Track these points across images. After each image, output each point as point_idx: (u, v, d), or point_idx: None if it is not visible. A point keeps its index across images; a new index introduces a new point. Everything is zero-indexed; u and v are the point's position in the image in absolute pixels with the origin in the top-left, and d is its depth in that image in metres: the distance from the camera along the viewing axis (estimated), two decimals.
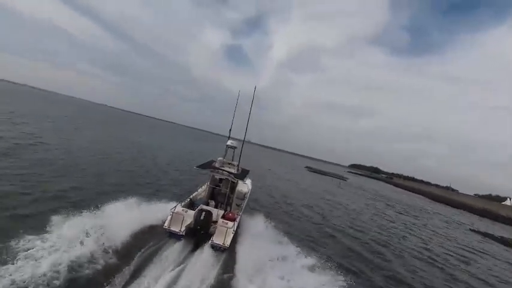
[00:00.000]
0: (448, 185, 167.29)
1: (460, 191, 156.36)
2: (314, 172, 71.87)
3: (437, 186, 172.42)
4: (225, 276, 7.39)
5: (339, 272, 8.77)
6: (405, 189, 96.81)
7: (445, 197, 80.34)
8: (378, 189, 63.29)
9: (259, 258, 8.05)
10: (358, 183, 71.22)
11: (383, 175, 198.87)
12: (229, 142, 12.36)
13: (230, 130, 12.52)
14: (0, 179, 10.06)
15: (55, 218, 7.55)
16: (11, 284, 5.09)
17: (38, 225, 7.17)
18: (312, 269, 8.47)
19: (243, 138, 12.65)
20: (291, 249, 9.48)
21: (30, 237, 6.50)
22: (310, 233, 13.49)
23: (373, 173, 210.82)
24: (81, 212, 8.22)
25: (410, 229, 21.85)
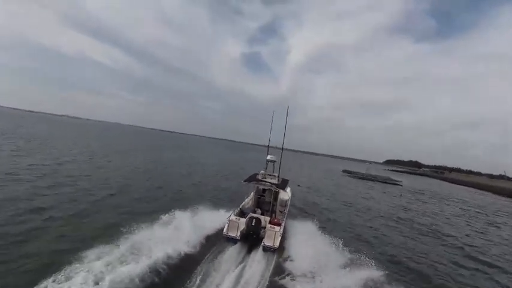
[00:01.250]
0: (503, 173, 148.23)
1: None
2: (356, 177, 55.68)
3: (490, 176, 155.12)
4: (279, 272, 8.42)
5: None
6: (466, 186, 79.37)
7: None
8: (438, 191, 51.82)
9: (309, 257, 8.90)
10: (414, 185, 58.02)
11: (426, 169, 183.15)
12: (269, 157, 14.05)
13: (268, 146, 14.25)
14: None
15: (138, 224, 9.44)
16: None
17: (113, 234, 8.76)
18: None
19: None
20: (337, 249, 10.05)
21: (106, 246, 7.83)
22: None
23: (414, 167, 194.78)
24: (152, 224, 9.86)
25: None
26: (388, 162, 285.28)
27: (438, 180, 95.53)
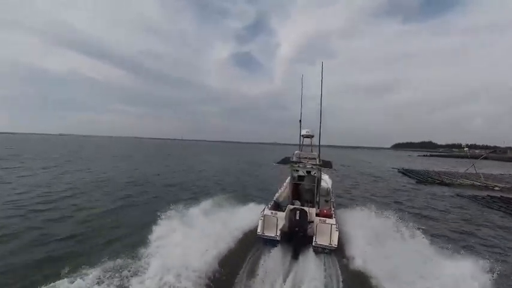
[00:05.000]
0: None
1: None
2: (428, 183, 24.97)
3: None
4: (351, 279, 5.90)
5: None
6: None
7: None
8: None
9: (384, 255, 6.33)
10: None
11: (440, 149, 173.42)
12: (303, 131, 10.61)
13: (300, 120, 10.54)
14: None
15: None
16: None
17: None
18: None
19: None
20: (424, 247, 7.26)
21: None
22: None
23: (430, 149, 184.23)
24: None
25: None
26: (398, 146, 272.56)
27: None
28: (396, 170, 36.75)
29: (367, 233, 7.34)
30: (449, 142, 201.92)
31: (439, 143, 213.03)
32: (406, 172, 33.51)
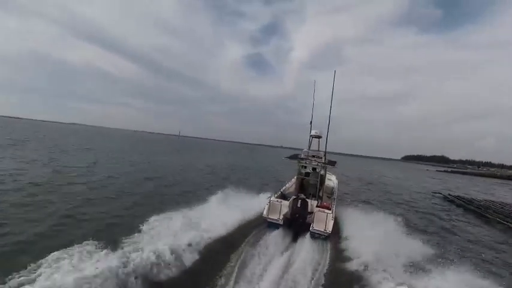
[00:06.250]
0: None
1: None
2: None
3: None
4: (337, 261, 6.85)
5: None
6: None
7: None
8: None
9: (374, 245, 7.15)
10: None
11: (454, 165, 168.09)
12: (313, 132, 11.82)
13: (311, 122, 11.79)
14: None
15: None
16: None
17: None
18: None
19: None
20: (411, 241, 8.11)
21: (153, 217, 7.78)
22: None
23: (442, 163, 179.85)
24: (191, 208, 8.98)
25: None
26: (408, 158, 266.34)
27: None
28: (441, 196, 23.39)
29: (362, 224, 8.50)
30: (462, 158, 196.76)
31: (451, 158, 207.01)
32: (464, 203, 19.57)
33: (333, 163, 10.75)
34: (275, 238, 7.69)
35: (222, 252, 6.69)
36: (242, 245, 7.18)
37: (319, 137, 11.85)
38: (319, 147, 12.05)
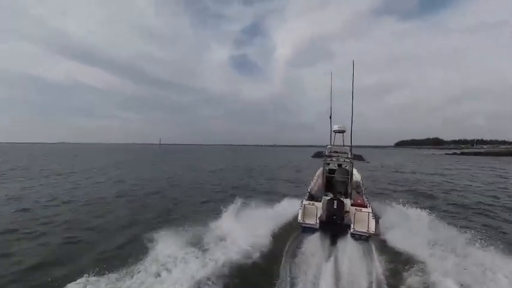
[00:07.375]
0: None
1: None
2: None
3: None
4: (390, 262, 6.30)
5: None
6: None
7: None
8: None
9: (422, 242, 6.78)
10: None
11: (449, 146, 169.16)
12: (335, 127, 11.09)
13: (331, 116, 10.97)
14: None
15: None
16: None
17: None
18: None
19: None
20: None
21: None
22: None
23: (436, 145, 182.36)
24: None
25: None
26: (401, 143, 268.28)
27: None
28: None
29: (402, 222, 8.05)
30: (454, 138, 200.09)
31: (444, 139, 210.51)
32: None
33: (360, 157, 10.25)
34: (314, 244, 7.14)
35: (267, 268, 6.16)
36: (284, 256, 6.63)
37: (343, 131, 11.17)
38: (343, 142, 11.52)
